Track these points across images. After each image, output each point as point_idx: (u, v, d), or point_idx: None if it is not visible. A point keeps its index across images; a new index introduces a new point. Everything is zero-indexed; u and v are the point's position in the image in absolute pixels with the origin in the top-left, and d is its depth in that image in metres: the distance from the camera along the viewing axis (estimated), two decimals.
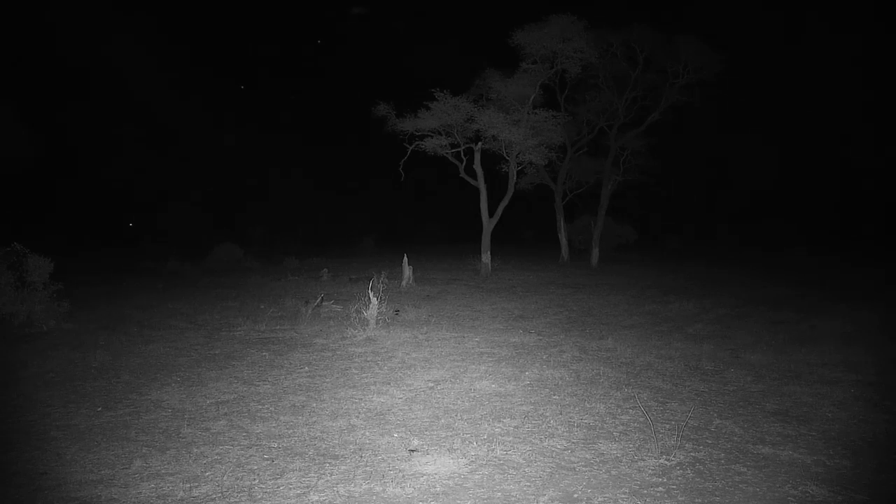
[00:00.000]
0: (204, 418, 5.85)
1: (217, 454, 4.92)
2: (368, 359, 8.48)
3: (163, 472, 4.58)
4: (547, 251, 30.88)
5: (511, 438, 5.25)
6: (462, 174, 21.85)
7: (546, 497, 4.10)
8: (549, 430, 5.48)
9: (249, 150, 44.67)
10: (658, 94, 23.94)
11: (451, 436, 5.31)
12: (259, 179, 45.70)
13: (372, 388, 6.95)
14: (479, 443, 5.11)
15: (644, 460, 4.74)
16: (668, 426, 5.53)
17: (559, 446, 5.07)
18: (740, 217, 43.57)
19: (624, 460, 4.75)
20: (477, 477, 4.44)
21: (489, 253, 21.29)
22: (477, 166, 21.31)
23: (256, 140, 45.27)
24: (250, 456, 4.87)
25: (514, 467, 4.61)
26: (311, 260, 25.80)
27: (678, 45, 22.43)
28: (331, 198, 46.88)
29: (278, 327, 11.08)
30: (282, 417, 5.87)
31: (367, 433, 5.40)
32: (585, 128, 25.82)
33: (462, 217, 34.40)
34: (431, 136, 21.05)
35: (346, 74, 51.69)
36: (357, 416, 5.88)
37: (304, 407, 6.23)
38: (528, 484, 4.31)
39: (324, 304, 13.30)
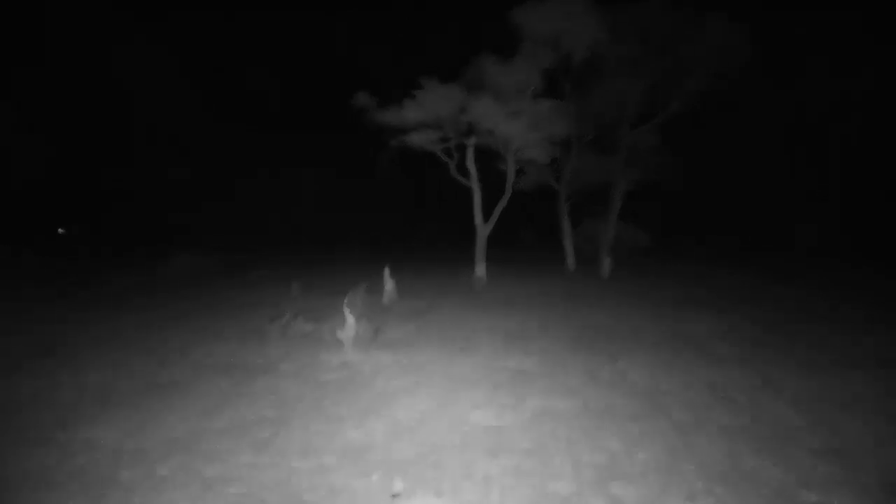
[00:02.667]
0: (148, 459, 5.65)
1: None
2: (344, 386, 8.31)
3: None
4: (550, 259, 30.79)
5: (510, 480, 5.09)
6: (453, 173, 21.75)
7: None
8: (554, 470, 5.33)
9: (207, 140, 44.29)
10: (677, 82, 23.91)
11: (439, 477, 5.16)
12: (223, 176, 45.51)
13: (348, 420, 6.78)
14: (473, 485, 4.96)
15: None
16: (692, 466, 5.39)
17: (566, 490, 4.91)
18: (770, 220, 43.78)
19: None
20: None
21: (484, 263, 21.16)
22: (470, 164, 21.22)
23: (212, 129, 44.85)
24: None
25: None
26: (281, 269, 25.58)
27: (703, 24, 22.34)
28: (306, 198, 46.77)
29: (240, 350, 10.88)
30: (242, 457, 5.68)
31: (342, 474, 5.23)
32: (593, 120, 25.81)
33: (456, 220, 34.37)
34: (419, 130, 20.94)
35: (327, 57, 51.57)
36: (330, 455, 5.71)
37: (268, 444, 6.04)
38: None
39: (293, 322, 13.10)
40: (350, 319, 10.57)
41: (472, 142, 20.98)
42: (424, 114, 20.42)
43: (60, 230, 41.23)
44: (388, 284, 17.56)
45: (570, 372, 9.12)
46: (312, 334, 12.20)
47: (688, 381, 8.58)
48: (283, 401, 7.60)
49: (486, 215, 21.78)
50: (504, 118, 19.80)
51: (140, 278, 22.23)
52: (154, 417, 6.96)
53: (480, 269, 21.08)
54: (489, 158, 22.40)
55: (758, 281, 21.96)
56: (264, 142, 46.89)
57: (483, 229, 21.49)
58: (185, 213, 42.72)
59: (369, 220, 47.30)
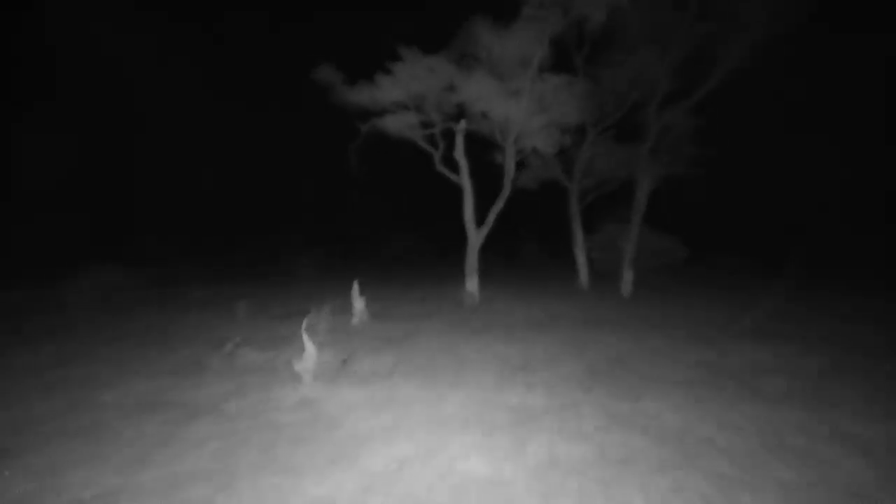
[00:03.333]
0: None
1: None
2: (304, 429, 8.29)
3: None
4: (558, 274, 30.86)
5: None
6: (439, 166, 21.79)
7: None
8: None
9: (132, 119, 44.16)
10: (717, 52, 23.77)
11: None
12: (151, 167, 45.33)
13: (308, 473, 6.78)
14: None
15: None
16: None
17: None
18: (837, 227, 44.12)
19: None
20: None
21: (476, 277, 21.20)
22: (459, 155, 21.27)
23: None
24: None
25: None
26: (225, 286, 25.47)
27: None
28: (256, 196, 46.76)
29: (173, 386, 10.83)
30: None
31: None
32: (613, 101, 25.89)
33: (443, 225, 34.38)
34: (395, 113, 20.97)
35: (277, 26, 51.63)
36: None
37: None
38: None
39: (240, 351, 13.05)
40: (310, 347, 10.55)
41: (461, 127, 21.02)
42: (403, 92, 20.46)
43: None
44: (359, 303, 17.53)
45: (583, 411, 9.15)
46: (264, 366, 12.15)
47: (732, 423, 8.63)
48: (227, 449, 7.58)
49: (480, 219, 21.82)
50: (502, 98, 19.88)
51: (40, 297, 22.08)
52: (58, 474, 6.92)
53: (472, 284, 21.11)
54: (483, 149, 22.46)
55: (823, 303, 22.09)
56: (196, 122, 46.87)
57: (475, 236, 21.52)
58: (112, 217, 42.55)
59: (338, 224, 47.20)
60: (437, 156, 21.67)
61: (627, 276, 24.88)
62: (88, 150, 42.95)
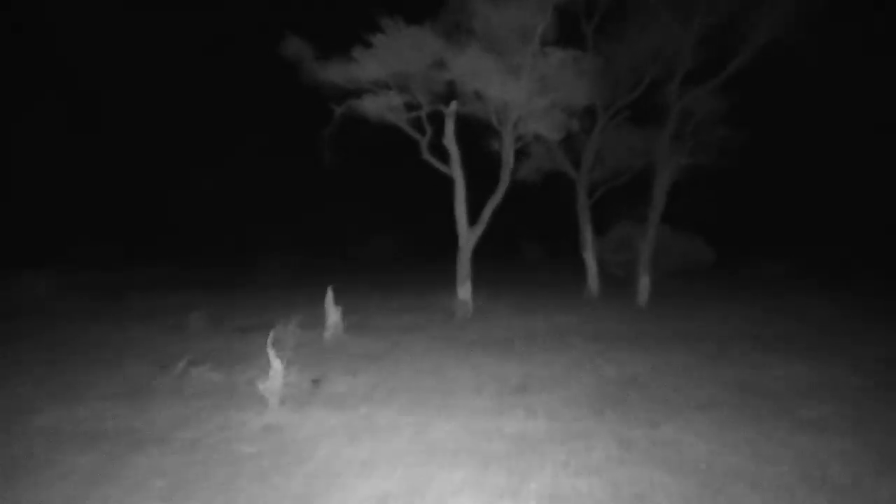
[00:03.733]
0: None
1: None
2: (269, 462, 8.26)
3: None
4: (564, 279, 30.95)
5: None
6: (426, 154, 21.77)
7: None
8: None
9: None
10: (750, 22, 23.50)
11: None
12: (100, 167, 45.27)
13: None
14: None
15: None
16: None
17: None
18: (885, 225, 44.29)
19: None
20: None
21: (469, 284, 21.18)
22: (449, 142, 21.25)
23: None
24: None
25: None
26: (176, 295, 25.40)
27: None
28: (212, 191, 46.62)
29: (114, 411, 10.78)
30: None
31: None
32: (628, 79, 25.86)
33: (432, 223, 34.42)
34: (375, 93, 20.92)
35: None
36: None
37: None
38: None
39: (194, 370, 13.00)
40: (277, 365, 10.52)
41: (452, 110, 21.01)
42: (384, 69, 20.40)
43: None
44: (333, 315, 17.50)
45: (593, 441, 9.14)
46: (222, 387, 12.12)
47: (767, 453, 8.62)
48: (178, 486, 7.53)
49: (474, 216, 21.80)
50: (499, 76, 19.82)
51: None
52: None
53: (464, 292, 21.11)
54: (477, 135, 22.47)
55: (870, 313, 22.14)
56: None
57: (468, 236, 21.50)
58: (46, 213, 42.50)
59: (309, 223, 47.18)
60: (423, 143, 21.62)
61: (644, 283, 24.84)
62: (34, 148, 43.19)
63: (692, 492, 7.29)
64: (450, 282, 21.73)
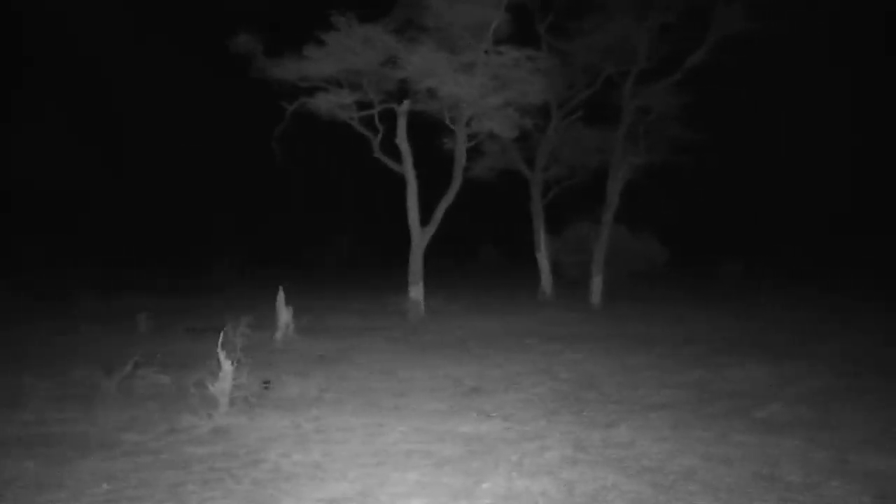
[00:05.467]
0: None
1: None
2: (218, 466, 8.19)
3: None
4: (520, 280, 31.02)
5: None
6: (377, 153, 21.75)
7: None
8: None
9: None
10: (704, 19, 23.60)
11: None
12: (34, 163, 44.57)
13: None
14: None
15: None
16: None
17: None
18: (845, 226, 44.91)
19: None
20: None
21: (421, 285, 21.17)
22: (402, 140, 21.26)
23: None
24: None
25: None
26: (122, 296, 25.13)
27: None
28: (160, 190, 46.11)
29: (58, 415, 10.63)
30: None
31: None
32: (582, 77, 25.99)
33: (386, 223, 34.34)
34: (327, 90, 20.86)
35: None
36: None
37: None
38: None
39: (140, 372, 12.88)
40: (227, 367, 10.45)
41: (404, 108, 21.00)
42: (336, 66, 20.34)
43: None
44: (284, 316, 17.43)
45: (548, 441, 9.18)
46: (170, 389, 12.02)
47: (721, 454, 8.70)
48: (124, 491, 7.44)
49: (427, 216, 21.79)
50: (452, 74, 19.82)
51: None
52: None
53: (416, 293, 21.10)
54: (431, 133, 22.46)
55: (824, 313, 22.43)
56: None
57: (420, 236, 21.48)
58: None
59: (262, 224, 46.85)
60: (375, 141, 21.59)
61: (597, 284, 25.01)
62: None
63: (646, 492, 7.36)
64: (405, 283, 21.72)
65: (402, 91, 21.00)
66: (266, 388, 12.16)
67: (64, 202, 43.78)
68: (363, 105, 21.24)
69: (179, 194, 46.86)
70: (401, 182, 21.84)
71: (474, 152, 23.15)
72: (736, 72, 27.57)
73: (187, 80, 44.48)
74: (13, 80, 42.62)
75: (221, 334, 11.44)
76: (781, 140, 42.36)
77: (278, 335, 17.15)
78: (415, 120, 21.47)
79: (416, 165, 21.48)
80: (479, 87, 20.00)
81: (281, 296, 17.57)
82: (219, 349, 10.73)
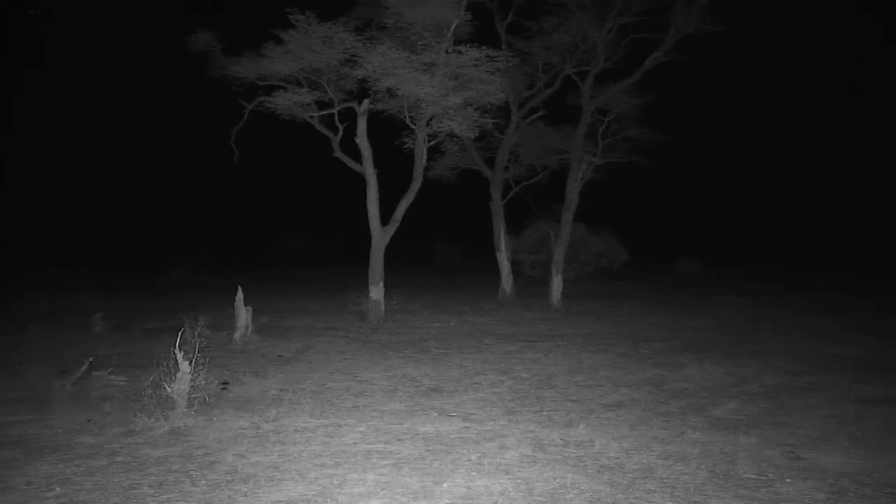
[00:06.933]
0: None
1: None
2: (175, 468, 8.12)
3: None
4: (480, 280, 31.08)
5: None
6: (337, 152, 21.66)
7: None
8: None
9: None
10: (664, 19, 23.73)
11: None
12: None
13: None
14: None
15: None
16: None
17: None
18: (801, 227, 45.47)
19: None
20: None
21: (382, 285, 21.12)
22: (362, 139, 21.18)
23: None
24: None
25: None
26: (76, 296, 24.85)
27: None
28: (117, 188, 45.65)
29: (10, 418, 10.51)
30: None
31: None
32: (542, 77, 26.07)
33: (346, 223, 34.24)
34: (286, 89, 20.75)
35: None
36: None
37: None
38: None
39: (96, 374, 12.75)
40: (185, 368, 10.35)
41: (364, 108, 20.94)
42: (295, 65, 20.23)
43: None
44: (243, 316, 17.31)
45: (507, 441, 9.20)
46: (126, 390, 11.91)
47: (677, 452, 8.76)
48: (77, 495, 7.35)
49: (388, 215, 21.74)
50: (412, 73, 19.77)
51: None
52: None
53: (376, 293, 21.03)
54: (391, 132, 22.42)
55: (781, 312, 22.66)
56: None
57: (380, 235, 21.40)
58: None
59: (222, 224, 46.58)
60: (335, 140, 21.49)
61: (557, 283, 25.05)
62: None
63: (604, 490, 7.39)
64: (366, 283, 21.64)
65: (363, 90, 20.96)
66: (224, 388, 12.09)
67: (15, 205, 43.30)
68: (323, 104, 21.14)
69: (136, 194, 46.49)
70: (362, 182, 21.75)
71: (435, 152, 23.16)
72: (695, 72, 27.81)
73: (148, 76, 44.27)
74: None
75: (179, 334, 11.35)
76: (741, 140, 42.79)
77: (237, 335, 17.04)
78: (375, 119, 21.43)
79: (377, 165, 21.40)
80: (439, 87, 19.97)
81: (240, 296, 17.44)
82: (176, 349, 10.63)
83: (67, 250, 40.33)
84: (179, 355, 10.50)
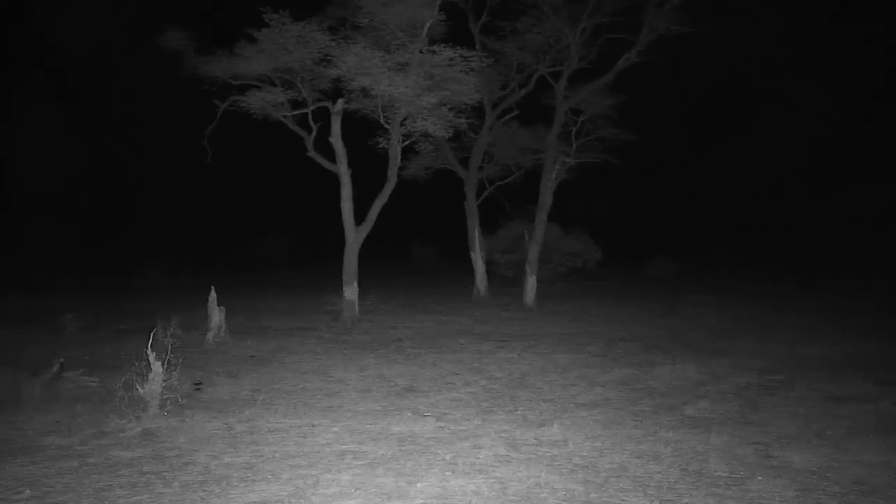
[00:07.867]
0: None
1: None
2: (146, 469, 8.07)
3: None
4: (455, 280, 31.08)
5: None
6: (311, 152, 21.60)
7: None
8: None
9: None
10: (637, 20, 23.85)
11: None
12: None
13: None
14: None
15: None
16: None
17: None
18: (772, 227, 45.74)
19: None
20: None
21: (356, 285, 21.08)
22: (336, 139, 21.12)
23: None
24: None
25: None
26: (49, 296, 24.63)
27: None
28: (91, 185, 45.34)
29: None
30: None
31: None
32: (516, 77, 26.12)
33: (321, 223, 34.16)
34: (259, 89, 20.67)
35: None
36: None
37: None
38: None
39: (67, 374, 12.64)
40: (157, 368, 10.29)
41: (338, 107, 20.88)
42: (269, 64, 20.15)
43: None
44: (216, 316, 17.23)
45: (481, 441, 9.21)
46: (98, 391, 11.83)
47: (650, 450, 8.80)
48: (47, 497, 7.28)
49: (362, 215, 21.70)
50: (386, 73, 19.74)
51: None
52: None
53: (350, 293, 20.98)
54: (365, 132, 22.37)
55: (754, 312, 22.81)
56: None
57: (354, 235, 21.35)
58: None
59: (198, 223, 46.39)
60: (309, 140, 21.44)
61: (531, 283, 25.08)
62: None
63: (577, 489, 7.41)
64: (340, 283, 21.59)
65: (336, 90, 20.90)
66: (197, 389, 12.03)
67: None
68: (297, 104, 21.08)
69: (111, 194, 46.18)
70: (336, 181, 21.70)
71: (409, 152, 23.15)
72: (668, 72, 27.94)
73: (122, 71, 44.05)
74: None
75: (151, 335, 11.28)
76: (712, 141, 43.02)
77: (210, 336, 16.95)
78: (349, 119, 21.37)
79: (351, 164, 21.37)
80: (413, 87, 19.94)
81: (213, 296, 17.35)
82: (148, 350, 10.58)
83: (49, 251, 40.13)
84: (152, 356, 10.45)
